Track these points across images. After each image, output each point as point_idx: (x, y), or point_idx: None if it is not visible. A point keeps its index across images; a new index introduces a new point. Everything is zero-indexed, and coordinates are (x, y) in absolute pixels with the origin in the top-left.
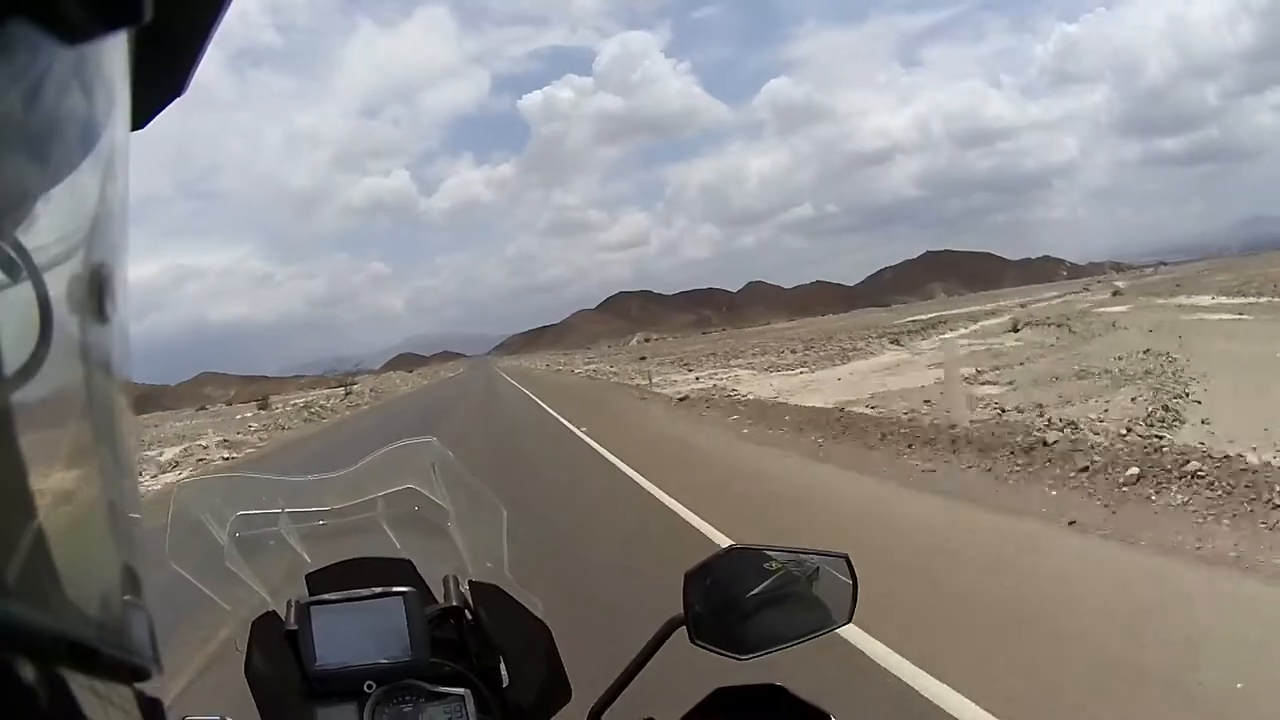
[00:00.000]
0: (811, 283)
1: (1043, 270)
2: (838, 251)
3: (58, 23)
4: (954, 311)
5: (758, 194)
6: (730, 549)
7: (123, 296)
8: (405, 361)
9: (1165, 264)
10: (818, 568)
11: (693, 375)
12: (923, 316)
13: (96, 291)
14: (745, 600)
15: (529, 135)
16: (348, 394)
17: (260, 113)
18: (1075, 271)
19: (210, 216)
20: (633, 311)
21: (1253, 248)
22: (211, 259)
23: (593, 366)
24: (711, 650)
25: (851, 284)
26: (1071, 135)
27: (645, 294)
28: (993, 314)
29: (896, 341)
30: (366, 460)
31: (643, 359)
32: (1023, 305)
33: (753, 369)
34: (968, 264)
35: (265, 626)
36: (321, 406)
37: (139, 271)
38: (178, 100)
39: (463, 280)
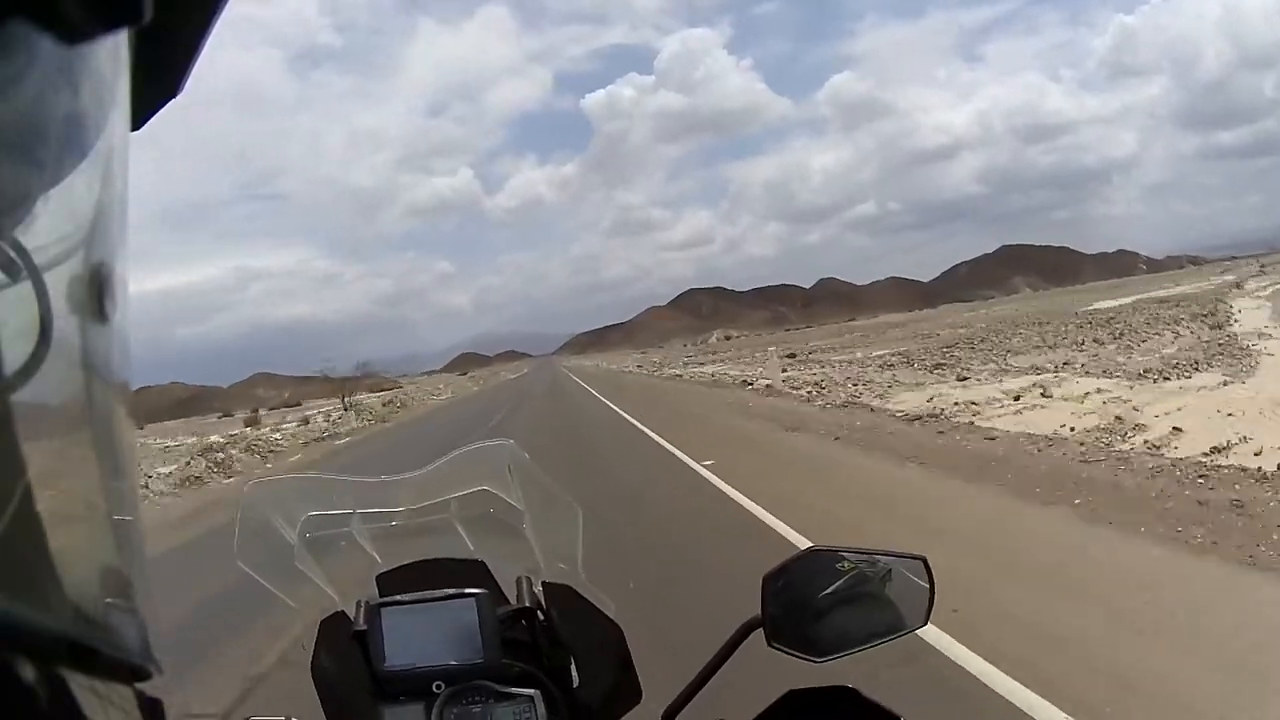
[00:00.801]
0: (885, 279)
1: (1120, 264)
2: (900, 249)
3: (57, 23)
4: (1110, 303)
5: (822, 191)
6: (810, 550)
7: (123, 296)
8: (467, 362)
9: (1235, 258)
10: (890, 569)
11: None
12: (1088, 309)
13: (96, 291)
14: (818, 600)
15: (591, 134)
16: (348, 410)
17: (322, 114)
18: (1153, 266)
19: (272, 219)
20: (704, 309)
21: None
22: (275, 260)
23: (710, 369)
24: (787, 653)
25: (926, 280)
26: (1130, 129)
27: (717, 290)
28: (1175, 303)
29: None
30: (441, 461)
31: (791, 356)
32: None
33: (979, 378)
34: (1043, 258)
35: (333, 627)
36: (261, 444)
37: (201, 273)
38: (177, 101)
39: (526, 279)
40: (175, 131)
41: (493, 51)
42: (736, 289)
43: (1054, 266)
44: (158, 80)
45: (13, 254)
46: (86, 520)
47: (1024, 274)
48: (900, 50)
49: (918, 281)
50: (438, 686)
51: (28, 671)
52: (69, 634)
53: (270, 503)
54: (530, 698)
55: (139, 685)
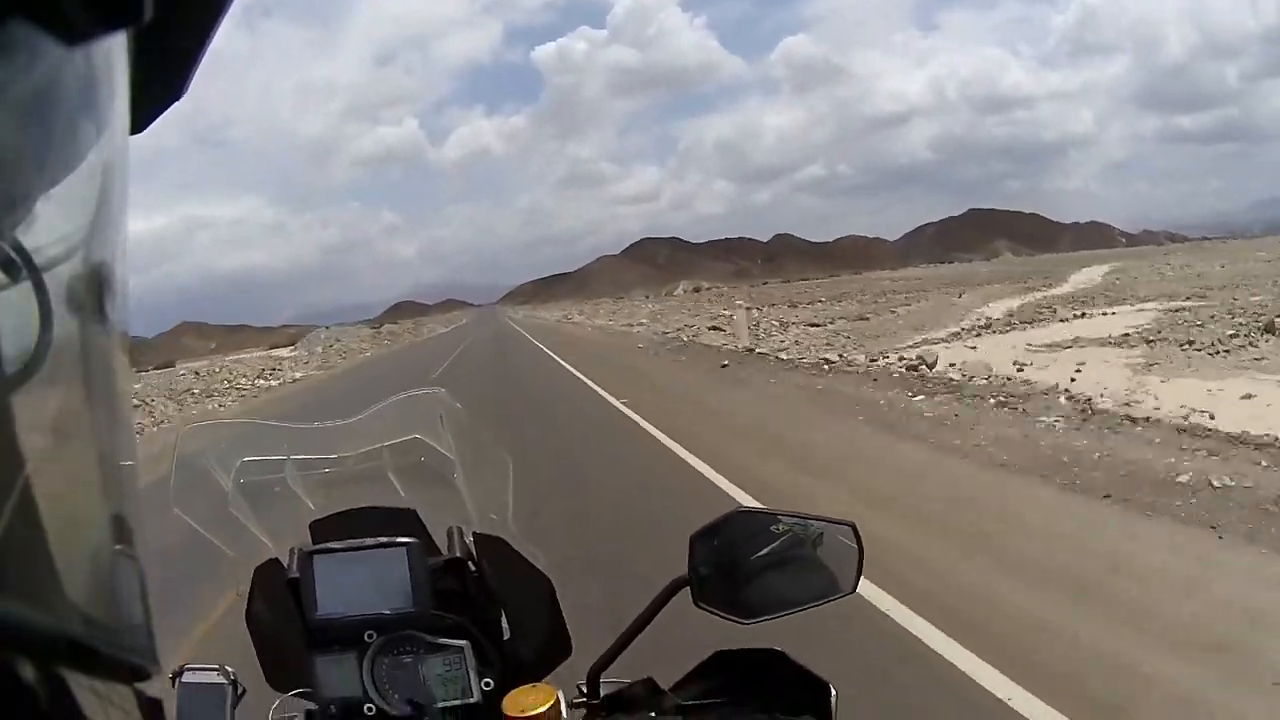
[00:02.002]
0: (846, 237)
1: (1096, 235)
2: (851, 211)
3: (57, 23)
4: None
5: (772, 151)
6: (737, 511)
7: (123, 296)
8: (405, 311)
9: (1208, 239)
10: (822, 533)
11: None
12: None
13: (96, 291)
14: (750, 563)
15: (542, 87)
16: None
17: (273, 63)
18: (1130, 240)
19: (224, 167)
20: (660, 259)
21: (1273, 228)
22: (224, 209)
23: (686, 323)
24: (715, 613)
25: (892, 239)
26: (1089, 107)
27: (673, 241)
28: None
29: None
30: (374, 409)
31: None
32: None
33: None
34: (1013, 223)
35: (267, 574)
36: None
37: (150, 223)
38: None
39: (475, 231)
40: None
41: (444, 1)
42: (693, 240)
43: (1027, 233)
44: (160, 82)
45: (13, 254)
46: (87, 520)
47: (993, 238)
48: (857, 14)
49: (884, 240)
50: (369, 636)
51: (28, 671)
52: (69, 634)
53: (206, 447)
54: (461, 649)
55: (139, 685)
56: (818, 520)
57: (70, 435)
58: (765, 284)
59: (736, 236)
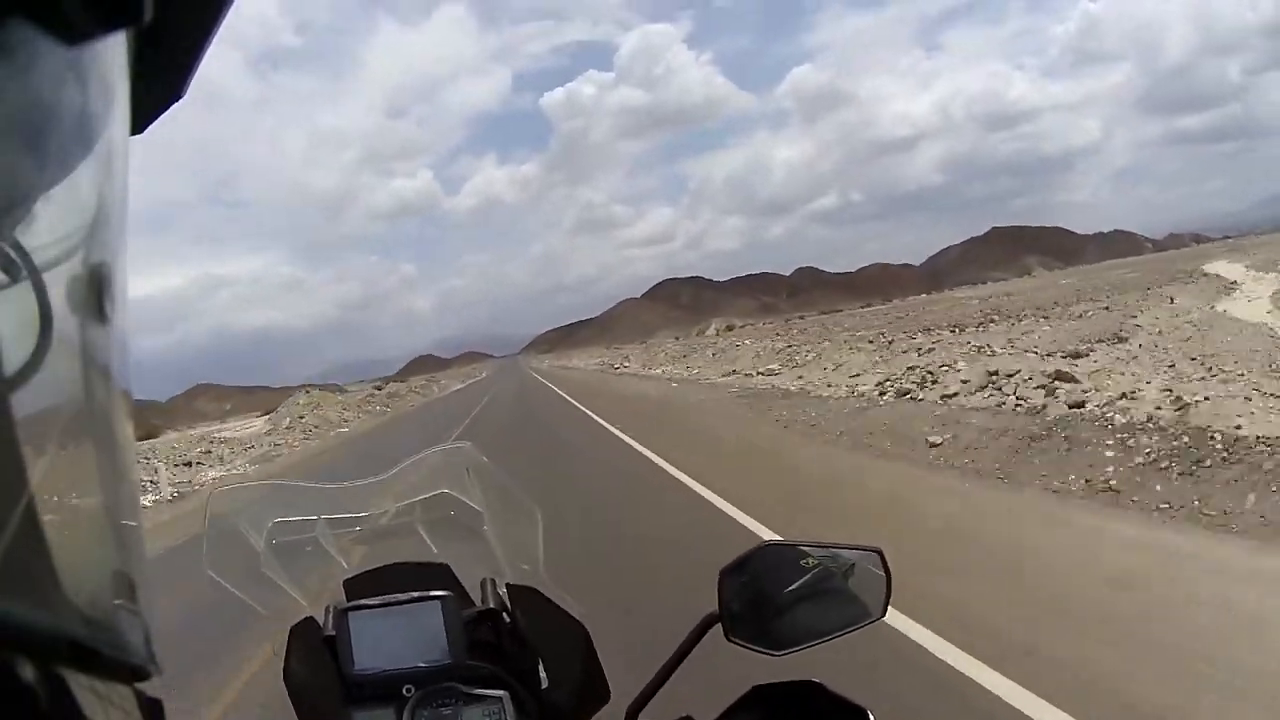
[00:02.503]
0: (873, 265)
1: (1122, 244)
2: (865, 238)
3: (57, 23)
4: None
5: (783, 184)
6: (765, 545)
7: (122, 297)
8: (424, 366)
9: (1229, 237)
10: (854, 564)
11: None
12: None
13: (96, 291)
14: (782, 596)
15: (551, 132)
16: None
17: (283, 115)
18: (1157, 246)
19: (236, 223)
20: (683, 299)
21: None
22: (240, 266)
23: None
24: (746, 647)
25: (917, 264)
26: (1094, 116)
27: (695, 280)
28: None
29: None
30: (402, 466)
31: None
32: None
33: None
34: (1038, 239)
35: (303, 632)
36: None
37: (167, 282)
38: (179, 104)
39: (489, 280)
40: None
41: (452, 50)
42: (714, 278)
43: (1053, 247)
44: (161, 83)
45: (13, 254)
46: (87, 520)
47: (1019, 255)
48: (861, 41)
49: (910, 265)
50: (407, 690)
51: (28, 671)
52: (69, 634)
53: (237, 509)
54: (500, 699)
55: (139, 685)
56: (846, 549)
57: (70, 435)
58: (802, 317)
59: (759, 272)
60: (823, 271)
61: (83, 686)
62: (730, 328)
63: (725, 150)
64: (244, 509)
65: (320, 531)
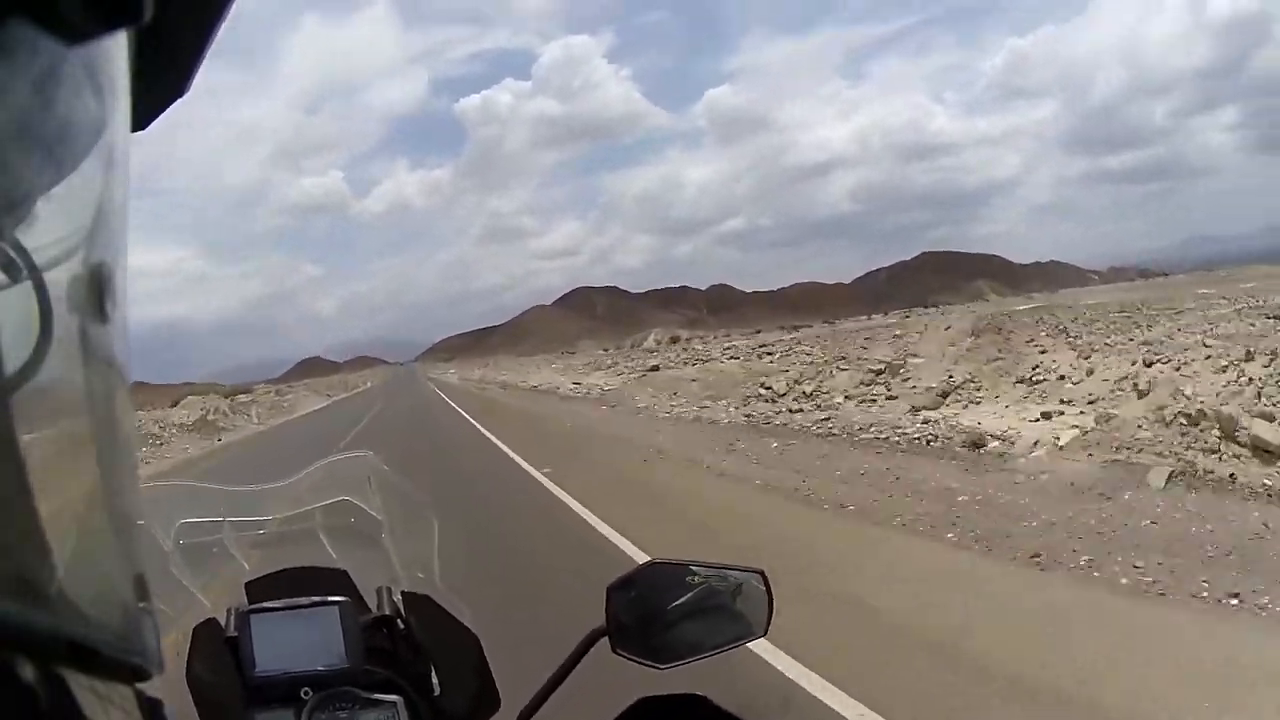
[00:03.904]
0: (807, 283)
1: (1064, 274)
2: (773, 263)
3: (57, 23)
4: None
5: (694, 204)
6: (651, 563)
7: (123, 296)
8: (313, 369)
9: (1167, 274)
10: (741, 583)
11: None
12: None
13: (96, 291)
14: (668, 612)
15: (465, 139)
16: None
17: (199, 106)
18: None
19: (150, 214)
20: (600, 309)
21: (1206, 264)
22: (151, 259)
23: None
24: (632, 659)
25: (846, 283)
26: (1016, 151)
27: (611, 290)
28: None
29: None
30: (305, 472)
31: None
32: None
33: None
34: (974, 266)
35: (206, 633)
36: None
37: None
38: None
39: (397, 285)
40: None
41: (373, 49)
42: (631, 290)
43: (990, 274)
44: (163, 80)
45: (13, 254)
46: (87, 520)
47: (957, 280)
48: (784, 66)
49: (841, 284)
50: (305, 693)
51: (28, 671)
52: (69, 634)
53: (146, 509)
54: (394, 704)
55: (139, 685)
56: (731, 569)
57: (70, 435)
58: (758, 332)
59: (676, 286)
60: (737, 290)
61: (83, 686)
62: (675, 339)
63: (638, 167)
64: (153, 509)
65: (226, 534)
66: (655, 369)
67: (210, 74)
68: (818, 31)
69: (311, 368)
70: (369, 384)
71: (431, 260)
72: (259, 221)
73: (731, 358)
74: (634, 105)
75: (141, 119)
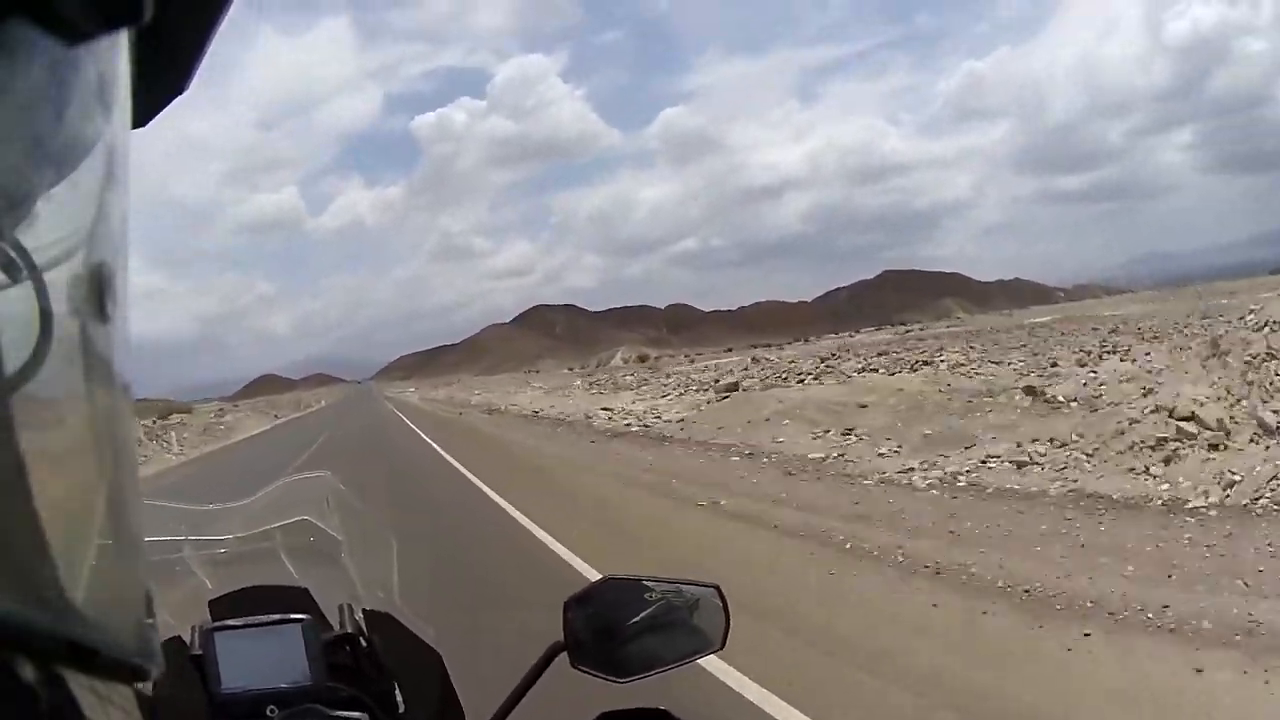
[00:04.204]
0: (766, 301)
1: (1029, 291)
2: (726, 283)
3: (57, 22)
4: None
5: (646, 224)
6: (607, 579)
7: (123, 296)
8: (267, 386)
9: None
10: (699, 599)
11: None
12: None
13: (97, 291)
14: (626, 627)
15: (420, 156)
16: None
17: (152, 121)
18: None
19: None
20: (558, 328)
21: (1160, 281)
22: None
23: None
24: (591, 674)
25: (808, 302)
26: (970, 172)
27: (569, 308)
28: None
29: None
30: (264, 492)
31: None
32: None
33: None
34: (934, 284)
35: (171, 651)
36: None
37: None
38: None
39: (349, 304)
40: None
41: (328, 65)
42: (590, 308)
43: (954, 293)
44: (163, 79)
45: (13, 254)
46: (87, 520)
47: (922, 298)
48: (737, 87)
49: (804, 303)
50: (271, 710)
51: (28, 671)
52: (69, 634)
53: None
54: None
55: (139, 685)
56: (686, 584)
57: (70, 435)
58: (729, 350)
59: (634, 304)
60: (695, 309)
61: (83, 686)
62: (644, 358)
63: (590, 187)
64: None
65: (188, 552)
66: (733, 389)
67: None
68: (773, 52)
69: (266, 385)
70: (322, 403)
71: (385, 278)
72: (212, 238)
73: (905, 371)
74: (588, 125)
75: (141, 116)
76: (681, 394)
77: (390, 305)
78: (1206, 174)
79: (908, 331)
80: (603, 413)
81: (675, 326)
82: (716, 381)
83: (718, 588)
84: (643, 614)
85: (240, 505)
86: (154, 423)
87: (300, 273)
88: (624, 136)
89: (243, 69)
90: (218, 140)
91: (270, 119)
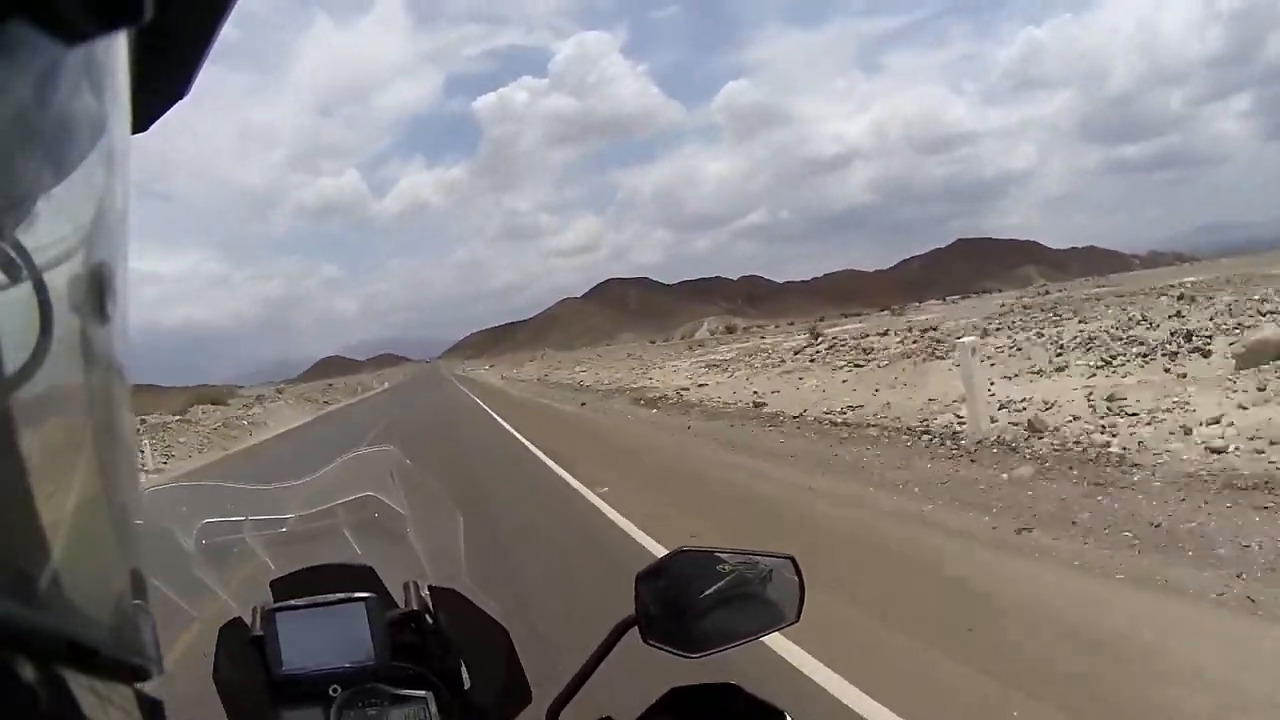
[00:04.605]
0: (841, 271)
1: (1108, 261)
2: (793, 256)
3: (57, 23)
4: None
5: (712, 198)
6: (679, 551)
7: (123, 296)
8: (333, 368)
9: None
10: (771, 570)
11: None
12: None
13: (96, 291)
14: (698, 600)
15: (481, 137)
16: None
17: (215, 111)
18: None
19: (168, 219)
20: (631, 302)
21: (1225, 251)
22: (167, 264)
23: None
24: (662, 649)
25: (882, 271)
26: (1032, 142)
27: (643, 281)
28: None
29: None
30: (327, 469)
31: None
32: None
33: None
34: (1007, 253)
35: (232, 633)
36: None
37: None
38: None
39: (413, 285)
40: None
41: (386, 50)
42: (664, 281)
43: (1029, 260)
44: (163, 82)
45: (13, 254)
46: (87, 520)
47: (998, 267)
48: (798, 59)
49: (879, 272)
50: (333, 690)
51: (28, 671)
52: (69, 634)
53: (167, 510)
54: (424, 700)
55: (139, 685)
56: (760, 555)
57: (70, 435)
58: (821, 319)
59: (710, 276)
60: (769, 280)
61: (83, 686)
62: (731, 329)
63: (655, 162)
64: (173, 509)
65: (248, 533)
66: None
67: (221, 78)
68: (832, 24)
69: (330, 367)
70: (385, 384)
71: (450, 258)
72: (276, 223)
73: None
74: (651, 100)
75: (142, 121)
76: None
77: (455, 285)
78: (1266, 142)
79: (1025, 298)
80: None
81: (751, 298)
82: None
83: (793, 559)
84: (714, 587)
85: (302, 483)
86: (177, 418)
87: (365, 255)
88: (687, 111)
89: (300, 57)
90: (279, 128)
91: (329, 105)
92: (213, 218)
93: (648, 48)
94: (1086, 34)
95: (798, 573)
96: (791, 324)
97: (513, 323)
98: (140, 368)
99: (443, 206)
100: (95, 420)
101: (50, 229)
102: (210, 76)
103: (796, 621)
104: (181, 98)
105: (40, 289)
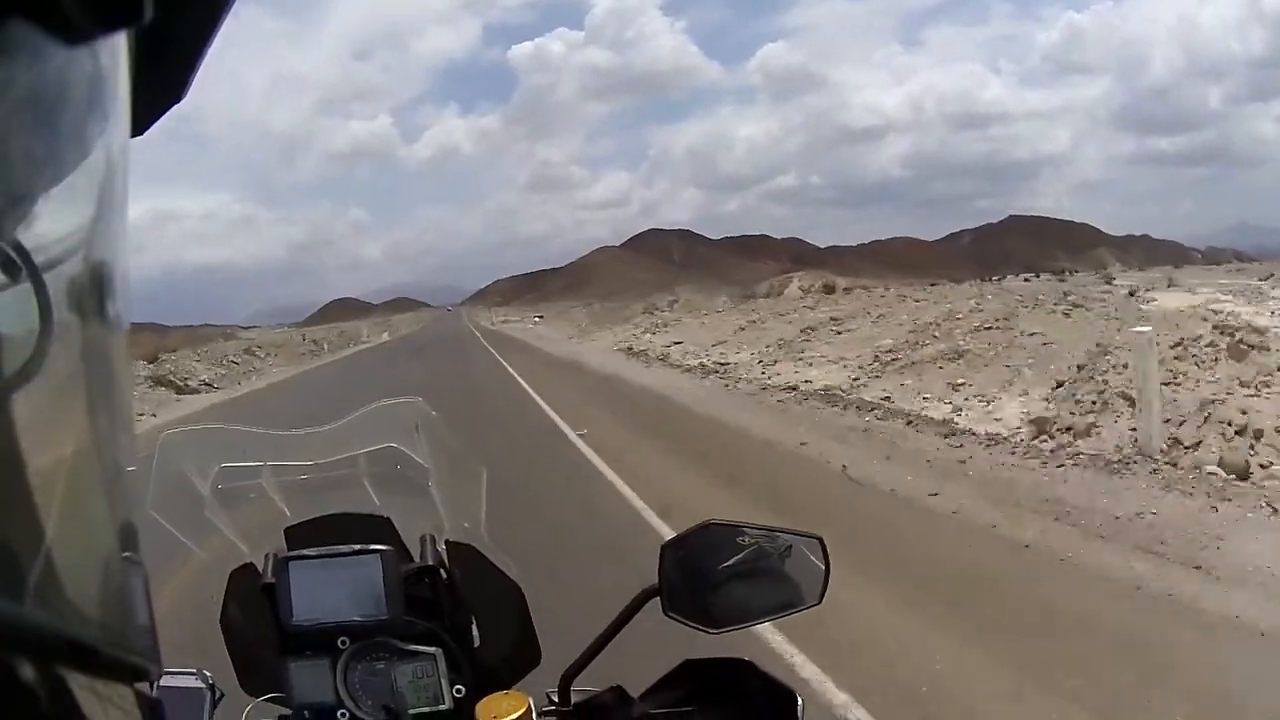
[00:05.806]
0: (897, 238)
1: (1163, 250)
2: (824, 222)
3: (57, 23)
4: None
5: (744, 160)
6: (707, 523)
7: (123, 297)
8: (345, 310)
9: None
10: (790, 546)
11: None
12: None
13: (96, 291)
14: (717, 573)
15: (516, 87)
16: None
17: (247, 55)
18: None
19: (196, 160)
20: (676, 254)
21: (1263, 253)
22: (193, 203)
23: None
24: (684, 623)
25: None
26: (1067, 127)
27: (685, 234)
28: None
29: None
30: (351, 417)
31: None
32: None
33: None
34: (1061, 234)
35: (242, 579)
36: None
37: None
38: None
39: (442, 232)
40: None
41: None
42: (707, 235)
43: (1071, 243)
44: (161, 84)
45: (13, 254)
46: (87, 520)
47: (1047, 248)
48: (839, 26)
49: (932, 243)
50: (343, 642)
51: (28, 671)
52: (69, 634)
53: (184, 453)
54: (433, 656)
55: (139, 685)
56: (785, 533)
57: (70, 435)
58: (933, 285)
59: (755, 234)
60: (809, 243)
61: (83, 686)
62: (830, 289)
63: (688, 120)
64: (191, 452)
65: (265, 478)
66: None
67: (254, 22)
68: None
69: (339, 310)
70: (384, 336)
71: (479, 206)
72: (306, 167)
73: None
74: (688, 58)
75: (140, 123)
76: None
77: (484, 233)
78: None
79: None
80: None
81: (798, 258)
82: None
83: (820, 539)
84: (734, 559)
85: (325, 430)
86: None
87: (393, 200)
88: (724, 71)
89: (335, 2)
90: (313, 72)
91: (364, 50)
92: (241, 161)
93: (687, 5)
94: (1126, 23)
95: (824, 553)
96: (887, 289)
97: (545, 270)
98: (160, 305)
99: (474, 154)
100: (95, 420)
101: (50, 229)
102: (242, 19)
103: (819, 603)
104: (180, 99)
105: (40, 289)
